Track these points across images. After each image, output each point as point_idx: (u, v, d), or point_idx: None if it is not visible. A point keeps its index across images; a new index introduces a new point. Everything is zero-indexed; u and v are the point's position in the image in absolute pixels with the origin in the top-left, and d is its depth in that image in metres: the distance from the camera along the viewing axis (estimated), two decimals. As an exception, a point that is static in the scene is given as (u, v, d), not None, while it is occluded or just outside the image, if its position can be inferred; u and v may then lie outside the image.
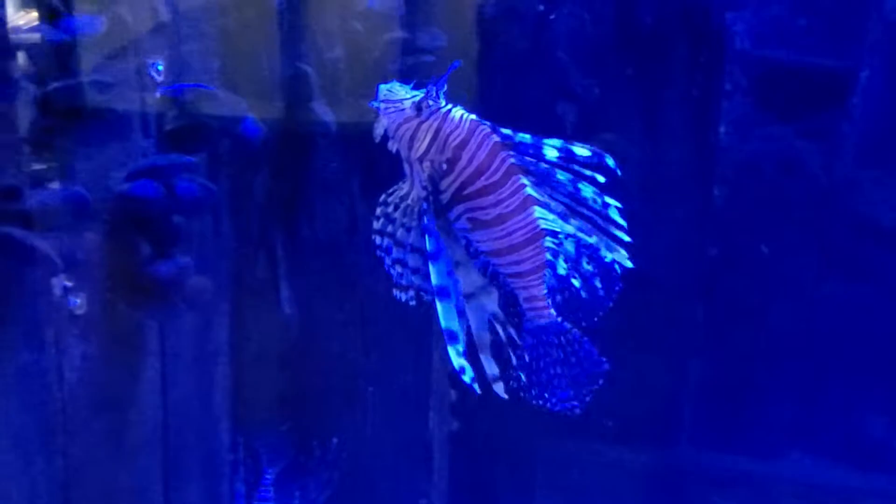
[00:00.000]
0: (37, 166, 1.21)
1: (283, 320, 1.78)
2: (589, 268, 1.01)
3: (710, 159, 2.13)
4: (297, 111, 1.68)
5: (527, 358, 1.02)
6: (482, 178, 0.94)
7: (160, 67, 1.43)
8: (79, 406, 1.33)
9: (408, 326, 1.95)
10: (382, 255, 0.97)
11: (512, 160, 0.94)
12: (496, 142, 0.94)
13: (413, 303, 0.98)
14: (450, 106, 0.94)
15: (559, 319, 1.01)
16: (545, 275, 1.00)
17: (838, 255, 2.09)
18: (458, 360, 0.92)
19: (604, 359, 1.07)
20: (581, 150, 0.94)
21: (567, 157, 0.94)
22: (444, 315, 0.91)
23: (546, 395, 1.04)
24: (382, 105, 0.93)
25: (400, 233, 0.96)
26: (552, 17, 2.04)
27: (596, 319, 1.08)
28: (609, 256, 1.00)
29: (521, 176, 0.94)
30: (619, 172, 0.97)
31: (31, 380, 1.25)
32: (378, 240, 0.97)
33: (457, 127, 0.93)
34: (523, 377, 1.02)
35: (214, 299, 1.58)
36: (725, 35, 2.07)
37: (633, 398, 2.13)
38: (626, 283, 2.24)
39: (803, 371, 2.13)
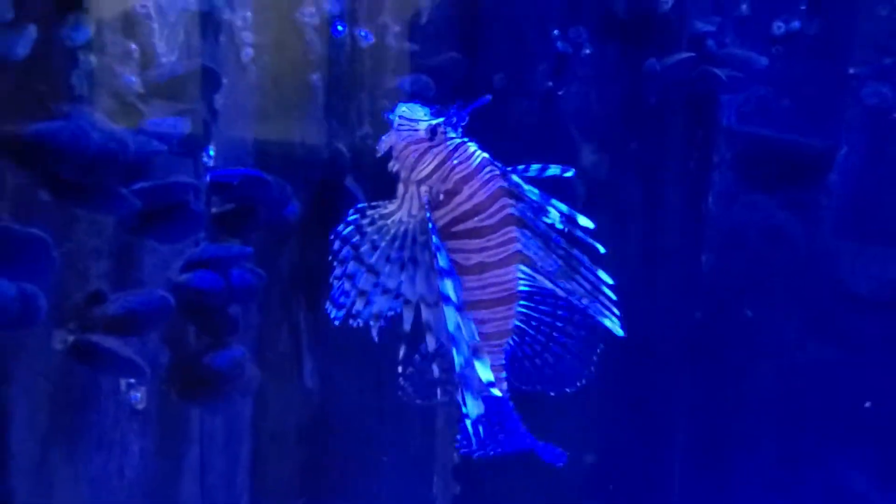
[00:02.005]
0: (116, 266, 1.22)
1: (305, 393, 1.80)
2: (569, 333, 0.98)
3: (699, 227, 2.27)
4: (329, 188, 1.72)
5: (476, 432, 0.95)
6: (475, 219, 0.89)
7: (211, 153, 1.45)
8: (135, 502, 1.32)
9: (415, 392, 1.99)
10: (334, 263, 0.89)
11: (512, 209, 0.90)
12: (501, 186, 0.90)
13: (336, 323, 0.92)
14: (465, 140, 0.90)
15: (507, 398, 0.97)
16: (506, 344, 0.95)
17: (818, 321, 2.25)
18: (486, 375, 0.84)
19: (541, 449, 1.06)
20: (584, 221, 0.92)
21: (569, 222, 0.91)
22: (466, 331, 0.84)
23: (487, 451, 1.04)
24: (397, 120, 0.88)
25: (365, 248, 0.88)
26: (560, 93, 2.15)
27: (579, 384, 1.06)
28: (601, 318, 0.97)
29: (515, 228, 0.91)
30: (602, 250, 0.95)
31: (99, 484, 1.24)
32: (337, 246, 0.89)
33: (466, 160, 0.89)
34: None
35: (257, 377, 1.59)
36: (716, 112, 2.22)
37: (625, 458, 2.23)
38: (612, 347, 2.34)
39: (784, 430, 2.27)
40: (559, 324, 0.99)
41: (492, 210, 0.89)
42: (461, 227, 0.89)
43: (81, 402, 1.17)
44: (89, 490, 1.20)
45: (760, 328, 2.24)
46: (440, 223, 0.88)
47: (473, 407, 0.85)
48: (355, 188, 1.73)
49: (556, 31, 2.09)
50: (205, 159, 1.43)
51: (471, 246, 0.89)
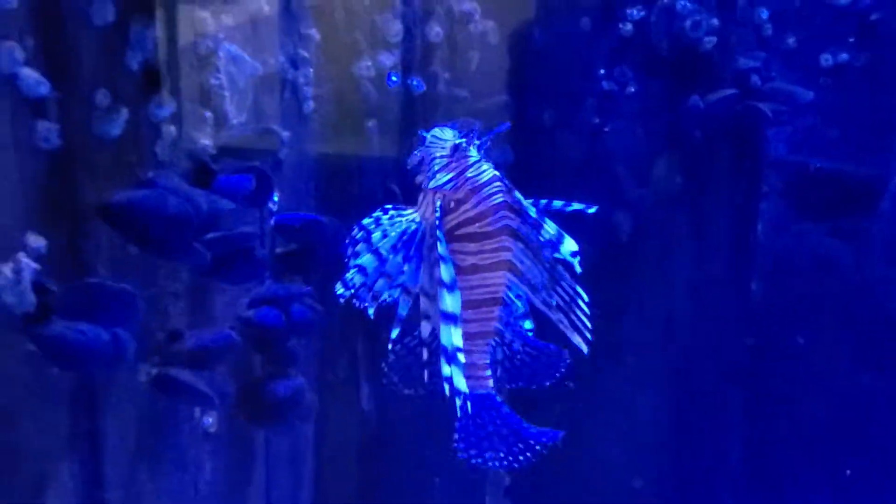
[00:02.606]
0: (191, 306, 1.39)
1: (362, 415, 1.93)
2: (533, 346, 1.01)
3: (749, 256, 2.31)
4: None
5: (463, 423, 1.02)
6: (476, 225, 0.96)
7: (276, 198, 1.62)
8: (207, 517, 1.48)
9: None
10: (349, 246, 0.98)
11: (510, 221, 0.96)
12: (505, 201, 0.96)
13: (341, 301, 0.98)
14: (482, 160, 0.97)
15: (494, 393, 1.02)
16: (491, 343, 1.00)
17: (869, 349, 2.25)
18: (460, 382, 0.91)
19: (537, 435, 1.08)
20: (570, 244, 0.97)
21: (556, 242, 0.96)
22: (454, 336, 0.90)
23: (479, 457, 1.06)
24: (429, 137, 0.98)
25: (376, 234, 0.96)
26: (606, 129, 2.23)
27: (548, 384, 1.09)
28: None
29: (510, 239, 0.97)
30: (579, 270, 1.00)
31: (177, 498, 1.40)
32: (354, 231, 0.98)
33: (477, 174, 0.95)
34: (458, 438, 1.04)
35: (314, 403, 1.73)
36: (763, 144, 2.26)
37: (675, 485, 2.28)
38: (665, 375, 2.38)
39: (836, 458, 2.27)
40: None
41: (492, 219, 0.96)
42: (463, 230, 0.97)
43: (162, 427, 1.34)
44: (167, 499, 1.37)
45: (812, 356, 2.26)
46: (447, 227, 0.96)
47: (461, 382, 0.91)
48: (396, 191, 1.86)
49: (601, 71, 2.18)
50: (270, 205, 1.60)
51: (468, 249, 0.97)
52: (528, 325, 1.04)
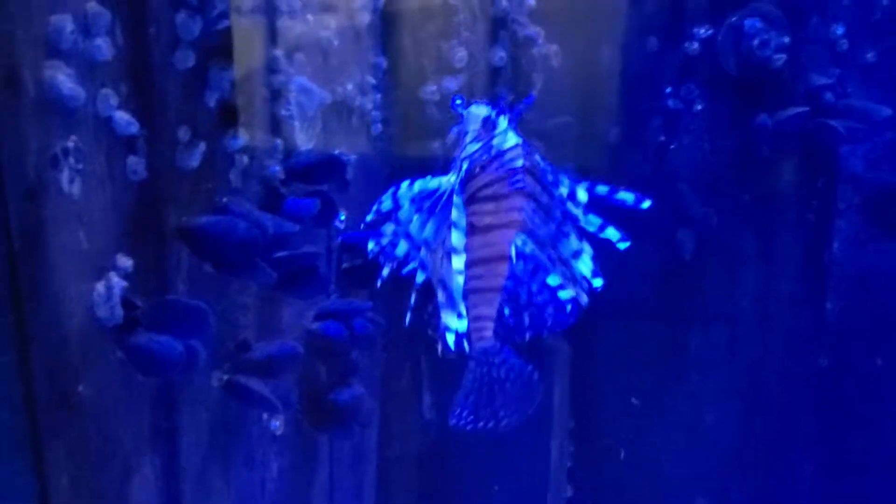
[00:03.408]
0: (257, 318, 1.53)
1: (424, 424, 2.03)
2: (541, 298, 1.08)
3: (823, 275, 2.28)
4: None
5: (468, 383, 1.09)
6: (495, 187, 1.05)
7: (342, 217, 1.74)
8: (274, 513, 1.62)
9: (530, 429, 2.17)
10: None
11: (526, 185, 1.05)
12: (524, 165, 1.05)
13: (369, 256, 1.10)
14: (509, 129, 1.07)
15: (499, 345, 1.09)
16: (497, 298, 1.07)
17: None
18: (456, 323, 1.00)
19: (536, 380, 1.13)
20: (581, 194, 1.06)
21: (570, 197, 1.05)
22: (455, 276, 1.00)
23: (473, 416, 1.12)
24: (465, 113, 1.09)
25: (403, 190, 1.09)
26: (672, 147, 2.26)
27: (544, 334, 1.15)
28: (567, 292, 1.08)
29: (524, 199, 1.05)
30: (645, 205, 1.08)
31: (245, 494, 1.55)
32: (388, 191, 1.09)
33: (503, 141, 1.05)
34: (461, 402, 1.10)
35: (376, 406, 1.84)
36: (838, 161, 2.23)
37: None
38: (734, 398, 2.37)
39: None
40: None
41: (510, 181, 1.05)
42: (483, 192, 1.06)
43: (232, 429, 1.49)
44: (238, 499, 1.52)
45: (892, 378, 2.22)
46: (470, 190, 1.06)
47: (454, 321, 1.01)
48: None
49: (668, 90, 2.21)
50: (336, 223, 1.73)
51: (486, 209, 1.06)
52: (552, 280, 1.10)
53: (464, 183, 1.06)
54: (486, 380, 1.15)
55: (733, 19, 2.12)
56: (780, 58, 2.13)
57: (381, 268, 1.12)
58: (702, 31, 2.15)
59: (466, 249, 1.07)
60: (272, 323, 1.56)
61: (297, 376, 1.55)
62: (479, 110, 1.10)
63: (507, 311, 1.13)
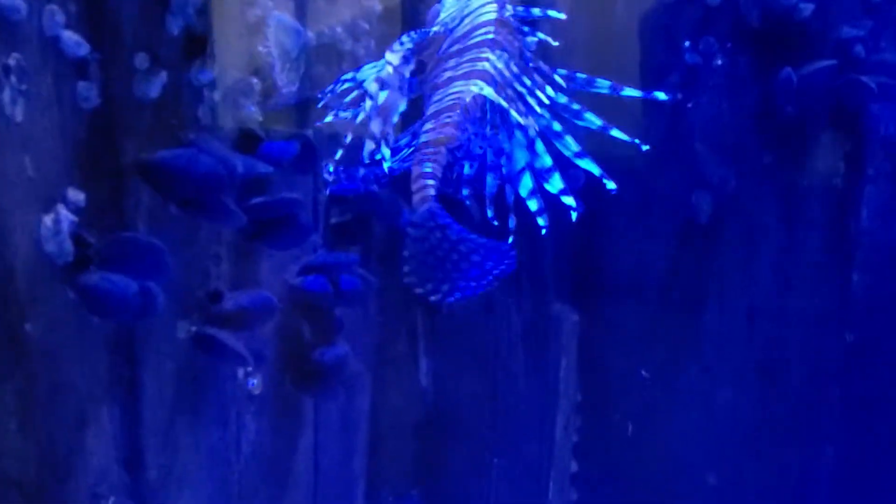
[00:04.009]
0: (232, 269, 1.44)
1: (420, 391, 1.95)
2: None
3: (849, 245, 2.15)
4: (447, 201, 1.86)
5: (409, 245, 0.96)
6: (459, 41, 0.96)
7: (331, 169, 1.65)
8: (251, 474, 1.54)
9: (534, 401, 2.08)
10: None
11: (496, 35, 0.95)
12: (497, 18, 0.96)
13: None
14: None
15: (438, 207, 0.96)
16: (443, 151, 0.96)
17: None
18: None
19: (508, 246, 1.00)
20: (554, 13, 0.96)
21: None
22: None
23: (417, 279, 0.99)
24: None
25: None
26: (689, 105, 2.14)
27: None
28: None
29: (489, 49, 0.95)
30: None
31: (217, 454, 1.47)
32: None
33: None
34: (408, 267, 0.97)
35: (363, 369, 1.77)
36: (868, 122, 2.10)
37: (760, 485, 2.16)
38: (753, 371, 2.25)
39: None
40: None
41: (476, 34, 0.96)
42: (450, 49, 0.97)
43: (202, 384, 1.41)
44: (208, 458, 1.44)
45: (920, 353, 2.09)
46: (440, 52, 0.97)
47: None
48: (471, 202, 1.87)
49: (686, 43, 2.09)
50: (325, 175, 1.64)
51: (448, 65, 0.97)
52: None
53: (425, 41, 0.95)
54: (426, 246, 0.98)
55: (756, -34, 1.99)
56: (807, 7, 1.99)
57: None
58: (723, -21, 2.03)
59: (426, 107, 0.97)
60: (249, 275, 1.48)
61: (272, 330, 1.47)
62: None
63: (467, 167, 1.01)
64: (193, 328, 1.34)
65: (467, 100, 0.95)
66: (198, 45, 1.28)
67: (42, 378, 1.18)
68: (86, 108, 1.17)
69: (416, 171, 0.96)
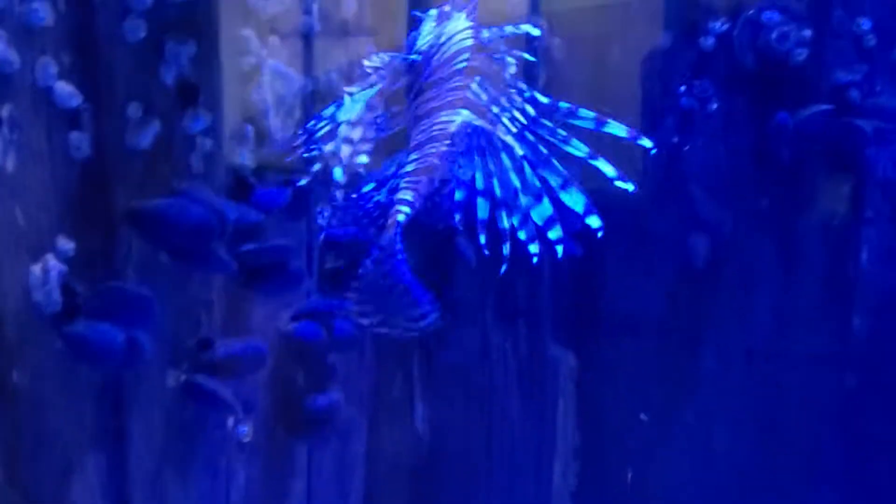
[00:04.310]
0: (225, 315, 1.44)
1: (416, 436, 1.93)
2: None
3: (849, 288, 2.14)
4: (441, 248, 1.86)
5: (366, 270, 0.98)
6: (438, 70, 0.96)
7: (326, 214, 1.65)
8: (239, 524, 1.52)
9: (531, 446, 2.06)
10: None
11: (472, 62, 0.96)
12: (473, 44, 0.96)
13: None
14: (462, 16, 0.97)
15: (398, 241, 0.96)
16: (423, 181, 0.96)
17: None
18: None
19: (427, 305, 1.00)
20: (529, 28, 0.96)
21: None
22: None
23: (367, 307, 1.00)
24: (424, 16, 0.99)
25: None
26: (686, 148, 2.14)
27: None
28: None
29: (469, 76, 0.95)
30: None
31: (203, 502, 1.45)
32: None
33: (453, 27, 0.96)
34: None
35: (356, 416, 1.75)
36: (865, 165, 2.10)
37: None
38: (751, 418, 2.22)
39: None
40: None
41: (452, 63, 0.96)
42: (428, 81, 0.97)
43: (191, 432, 1.39)
44: (203, 504, 1.42)
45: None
46: (417, 83, 0.97)
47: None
48: (466, 248, 1.87)
49: (681, 87, 2.10)
50: (319, 219, 1.64)
51: (429, 95, 0.97)
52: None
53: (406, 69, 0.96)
54: (381, 270, 1.01)
55: (750, 12, 2.01)
56: (801, 52, 2.01)
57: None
58: (717, 24, 2.05)
59: (410, 138, 0.98)
60: (241, 322, 1.47)
61: (263, 377, 1.46)
62: (433, 11, 1.01)
63: (458, 194, 0.98)
64: (183, 376, 1.33)
65: (451, 129, 0.96)
66: (191, 93, 1.29)
67: (28, 427, 1.17)
68: (77, 158, 1.17)
69: (395, 195, 0.96)
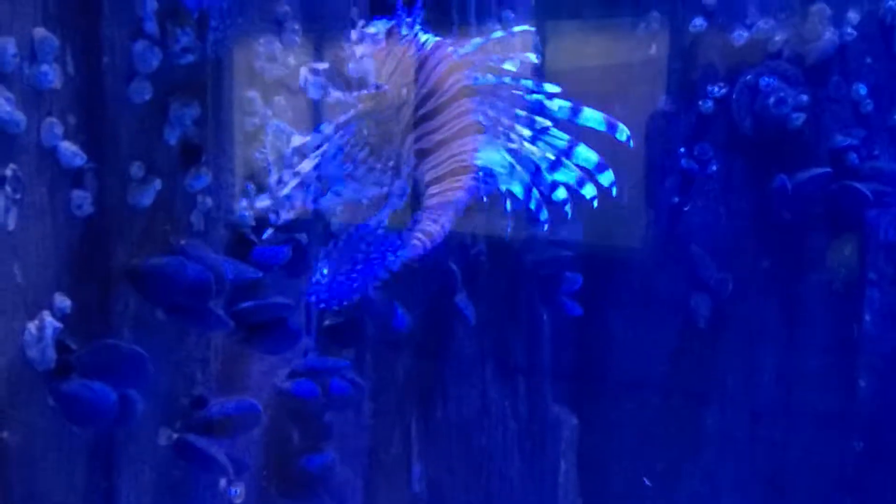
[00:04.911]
0: (220, 372, 1.43)
1: (413, 498, 1.89)
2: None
3: (854, 350, 2.12)
4: (440, 305, 1.86)
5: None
6: (432, 100, 0.95)
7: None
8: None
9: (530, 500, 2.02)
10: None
11: (463, 82, 0.95)
12: (454, 62, 0.95)
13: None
14: (418, 32, 0.96)
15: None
16: (450, 216, 0.96)
17: None
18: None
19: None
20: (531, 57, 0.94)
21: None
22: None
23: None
24: (361, 34, 0.98)
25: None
26: (686, 208, 2.15)
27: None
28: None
29: (469, 99, 0.95)
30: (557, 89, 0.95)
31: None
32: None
33: (420, 48, 0.95)
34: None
35: (351, 476, 1.72)
36: (866, 227, 2.10)
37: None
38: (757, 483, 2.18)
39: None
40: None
41: (445, 88, 0.95)
42: (422, 111, 0.96)
43: (182, 492, 1.37)
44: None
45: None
46: (405, 119, 0.96)
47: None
48: (465, 305, 1.87)
49: (681, 149, 2.12)
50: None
51: (431, 126, 0.96)
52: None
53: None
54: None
55: (748, 77, 2.05)
56: (799, 117, 2.03)
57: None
58: (716, 89, 2.08)
59: (423, 175, 0.98)
60: (237, 379, 1.46)
61: (256, 437, 1.44)
62: (375, 27, 1.01)
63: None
64: (175, 435, 1.32)
65: (475, 161, 0.97)
66: (194, 153, 1.30)
67: (18, 486, 1.15)
68: (79, 216, 1.18)
69: (422, 227, 0.98)
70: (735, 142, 2.10)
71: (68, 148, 1.15)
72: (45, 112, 1.13)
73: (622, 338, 2.14)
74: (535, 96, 0.98)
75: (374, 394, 1.79)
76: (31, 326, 1.12)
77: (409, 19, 0.98)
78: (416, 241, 1.00)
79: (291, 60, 1.47)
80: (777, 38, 2.04)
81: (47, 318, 1.14)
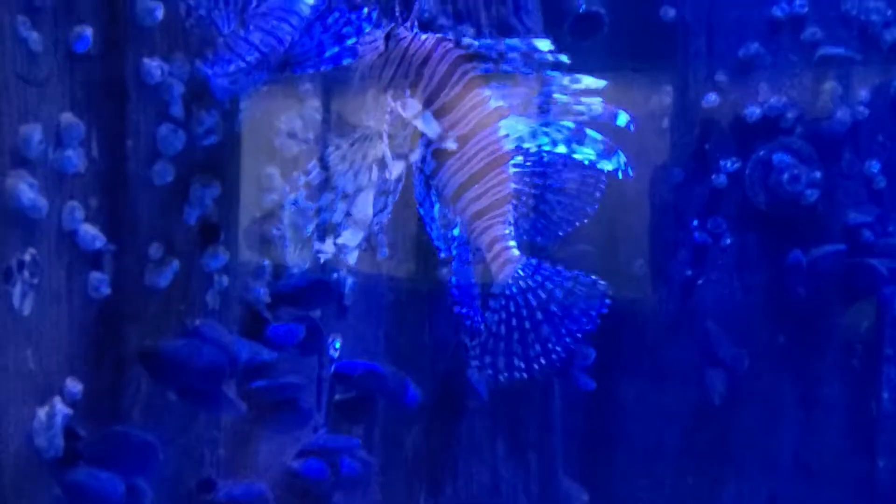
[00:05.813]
0: (230, 453, 1.39)
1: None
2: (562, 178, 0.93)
3: (871, 428, 2.08)
4: (452, 380, 1.83)
5: (494, 326, 0.91)
6: (441, 96, 0.92)
7: (337, 345, 1.63)
8: None
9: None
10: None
11: (472, 72, 0.92)
12: (458, 55, 0.93)
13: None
14: (416, 33, 0.95)
15: (526, 258, 0.91)
16: (509, 209, 0.93)
17: None
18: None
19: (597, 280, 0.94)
20: (542, 44, 0.91)
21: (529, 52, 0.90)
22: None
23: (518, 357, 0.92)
24: (359, 47, 0.95)
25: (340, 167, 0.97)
26: (700, 282, 2.14)
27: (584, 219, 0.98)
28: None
29: (481, 87, 0.92)
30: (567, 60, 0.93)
31: None
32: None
33: (420, 46, 0.93)
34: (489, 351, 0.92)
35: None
36: (882, 304, 2.08)
37: None
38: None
39: None
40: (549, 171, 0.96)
41: (453, 81, 0.92)
42: (433, 108, 0.94)
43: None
44: None
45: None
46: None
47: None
48: (477, 380, 1.84)
49: (694, 222, 2.12)
50: (331, 352, 1.62)
51: (447, 121, 0.93)
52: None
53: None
54: (498, 317, 0.95)
55: (761, 153, 2.06)
56: (813, 193, 2.04)
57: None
58: (729, 163, 2.09)
59: (446, 177, 0.96)
60: (247, 458, 1.43)
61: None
62: (371, 35, 0.98)
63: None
64: (182, 521, 1.28)
65: (505, 148, 0.94)
66: (212, 232, 1.30)
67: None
68: (95, 299, 1.17)
69: (489, 236, 0.94)
70: (749, 216, 2.10)
71: (88, 231, 1.14)
72: (67, 195, 1.12)
73: (635, 413, 2.11)
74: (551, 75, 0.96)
75: (383, 469, 1.75)
76: (41, 413, 1.10)
77: (406, 24, 0.98)
78: (504, 255, 0.95)
79: (311, 135, 1.47)
80: (789, 115, 2.06)
81: (58, 404, 1.11)
